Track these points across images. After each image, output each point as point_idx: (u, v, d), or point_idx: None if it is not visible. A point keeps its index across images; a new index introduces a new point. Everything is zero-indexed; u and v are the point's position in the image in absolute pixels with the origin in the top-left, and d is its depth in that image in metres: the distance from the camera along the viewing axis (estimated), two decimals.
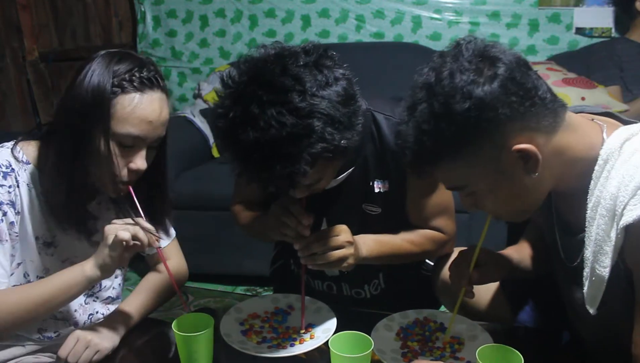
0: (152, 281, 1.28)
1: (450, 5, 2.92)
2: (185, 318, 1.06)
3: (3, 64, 3.56)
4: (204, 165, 2.78)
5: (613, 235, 0.86)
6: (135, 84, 1.03)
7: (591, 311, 0.92)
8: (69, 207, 1.08)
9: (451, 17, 2.93)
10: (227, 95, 1.00)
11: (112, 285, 1.28)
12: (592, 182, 0.90)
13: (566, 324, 1.17)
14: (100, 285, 1.25)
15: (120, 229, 1.02)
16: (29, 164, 1.10)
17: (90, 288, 1.13)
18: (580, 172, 0.92)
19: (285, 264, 1.49)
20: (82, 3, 3.46)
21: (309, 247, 1.13)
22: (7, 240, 1.06)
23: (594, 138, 0.92)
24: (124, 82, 1.03)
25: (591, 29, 2.81)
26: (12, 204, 1.06)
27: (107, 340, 1.11)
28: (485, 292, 1.31)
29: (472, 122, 0.85)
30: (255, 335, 1.17)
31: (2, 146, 1.10)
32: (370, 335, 1.03)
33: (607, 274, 0.88)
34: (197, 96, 3.21)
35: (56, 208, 1.08)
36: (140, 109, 1.04)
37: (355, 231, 1.21)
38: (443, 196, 1.29)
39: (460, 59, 0.87)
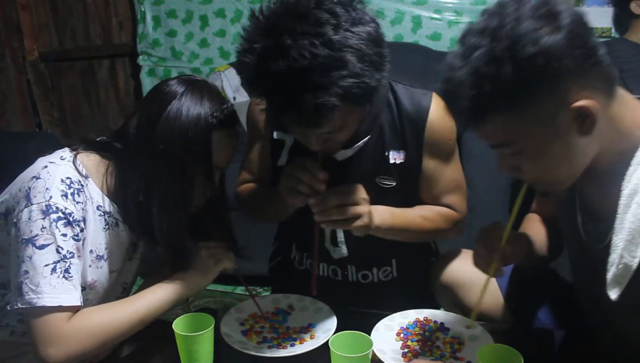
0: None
1: (450, 5, 2.92)
2: (185, 318, 1.07)
3: (3, 64, 3.56)
4: None
5: None
6: (222, 118, 1.07)
7: (612, 296, 0.90)
8: (178, 237, 1.10)
9: (451, 17, 2.93)
10: (257, 28, 1.00)
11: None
12: (630, 168, 0.88)
13: (565, 323, 1.17)
14: (125, 289, 1.26)
15: (221, 255, 1.14)
16: (88, 178, 1.09)
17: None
18: (621, 150, 0.89)
19: (284, 260, 1.48)
20: (82, 3, 3.46)
21: (325, 201, 1.12)
22: (82, 256, 1.06)
23: None
24: (219, 117, 1.07)
25: (591, 28, 2.81)
26: (84, 220, 1.06)
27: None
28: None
29: (537, 71, 0.81)
30: (256, 335, 1.17)
31: (62, 159, 1.08)
32: (370, 335, 1.03)
33: (636, 264, 0.86)
34: None
35: (165, 243, 1.10)
36: (230, 143, 1.11)
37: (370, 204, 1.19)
38: (457, 172, 1.29)
39: (523, 7, 0.84)
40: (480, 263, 1.10)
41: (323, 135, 1.08)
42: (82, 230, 1.05)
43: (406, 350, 1.11)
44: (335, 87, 0.95)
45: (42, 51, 3.59)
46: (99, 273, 1.12)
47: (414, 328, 1.17)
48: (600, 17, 2.77)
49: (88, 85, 3.64)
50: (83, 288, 1.08)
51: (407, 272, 1.39)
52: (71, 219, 1.02)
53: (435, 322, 1.19)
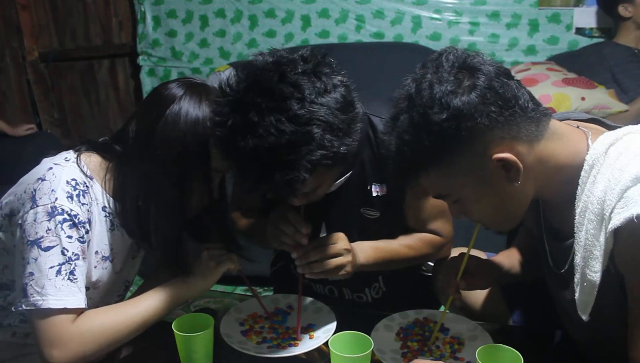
0: None
1: (450, 5, 2.92)
2: (185, 318, 1.07)
3: (3, 64, 3.56)
4: None
5: (602, 239, 0.86)
6: None
7: (584, 317, 0.92)
8: (176, 241, 1.10)
9: (451, 17, 2.93)
10: (226, 103, 0.99)
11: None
12: (579, 188, 0.90)
13: (560, 325, 1.18)
14: (125, 288, 1.26)
15: (223, 257, 1.13)
16: (93, 179, 1.09)
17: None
18: (565, 179, 0.92)
19: (285, 266, 1.49)
20: (82, 3, 3.46)
21: (307, 256, 1.14)
22: (84, 258, 1.05)
23: (579, 145, 0.92)
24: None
25: (591, 29, 2.81)
26: (89, 222, 1.06)
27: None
28: (482, 291, 1.31)
29: (451, 132, 0.86)
30: (255, 335, 1.17)
31: (67, 160, 1.08)
32: (370, 335, 1.03)
33: (599, 279, 0.88)
34: None
35: (169, 245, 1.10)
36: None
37: (354, 236, 1.21)
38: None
39: (440, 70, 0.88)
40: (440, 293, 1.17)
41: (301, 195, 1.08)
42: (87, 232, 1.05)
43: (406, 350, 1.11)
44: (304, 162, 0.95)
45: (42, 51, 3.59)
46: (103, 273, 1.12)
47: (413, 328, 1.17)
48: (600, 17, 2.76)
49: (88, 85, 3.64)
50: (87, 288, 1.09)
51: (394, 285, 1.41)
52: (77, 221, 1.02)
53: (435, 322, 1.19)
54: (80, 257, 1.03)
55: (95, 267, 1.10)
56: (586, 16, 2.80)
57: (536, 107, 0.91)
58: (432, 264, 1.44)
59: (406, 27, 2.97)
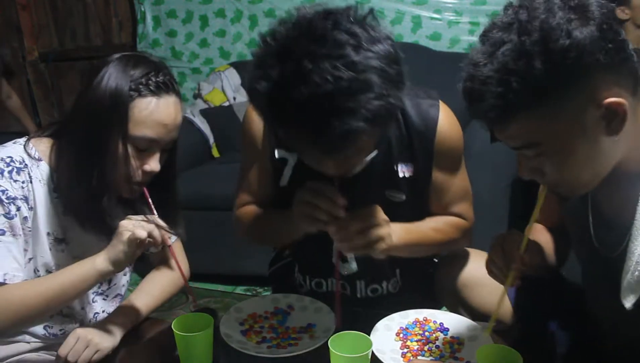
0: (154, 281, 1.28)
1: (450, 5, 2.92)
2: (185, 318, 1.06)
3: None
4: (204, 165, 2.78)
5: None
6: (151, 87, 1.05)
7: (627, 304, 0.87)
8: (88, 207, 1.09)
9: (451, 17, 2.93)
10: (271, 54, 0.93)
11: (121, 282, 1.29)
12: None
13: (566, 324, 1.17)
14: (110, 282, 1.26)
15: (136, 226, 1.03)
16: (41, 161, 1.11)
17: (100, 282, 1.14)
18: None
19: (284, 266, 1.48)
20: (82, 3, 3.47)
21: (347, 226, 1.08)
22: (20, 235, 1.07)
23: None
24: (141, 86, 1.04)
25: (621, 22, 2.81)
26: (26, 199, 1.07)
27: (107, 339, 1.11)
28: (488, 293, 1.30)
29: (569, 65, 0.78)
30: (255, 335, 1.17)
31: (14, 142, 1.12)
32: (370, 335, 1.03)
33: None
34: (197, 96, 3.22)
35: (76, 208, 1.10)
36: (157, 113, 1.06)
37: None
38: (465, 180, 1.28)
39: (551, 1, 0.81)
40: (497, 272, 1.07)
41: (341, 161, 1.04)
42: (18, 209, 1.06)
43: (405, 350, 1.11)
44: (363, 111, 0.90)
45: (42, 51, 3.59)
46: (61, 257, 1.13)
47: (413, 328, 1.17)
48: None
49: None
50: (49, 272, 1.09)
51: (411, 279, 1.38)
52: (3, 196, 1.04)
53: (434, 322, 1.19)
54: (8, 233, 1.04)
55: (50, 250, 1.11)
56: None
57: (638, 62, 0.85)
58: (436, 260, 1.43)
59: (406, 27, 2.98)
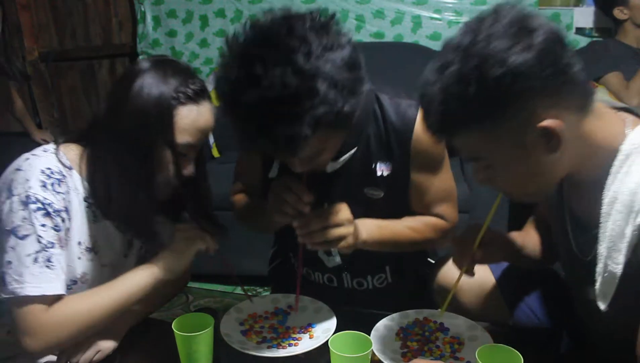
0: None
1: (450, 5, 2.92)
2: (185, 318, 1.06)
3: None
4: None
5: (629, 232, 0.85)
6: (190, 95, 1.06)
7: (602, 307, 0.91)
8: (135, 215, 1.10)
9: (451, 17, 2.93)
10: (231, 57, 0.97)
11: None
12: (610, 176, 0.88)
13: (565, 323, 1.17)
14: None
15: (196, 237, 1.12)
16: (72, 169, 1.09)
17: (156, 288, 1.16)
18: (598, 163, 0.89)
19: (283, 262, 1.48)
20: (82, 3, 3.47)
21: (308, 224, 1.12)
22: (64, 246, 1.06)
23: (617, 130, 0.90)
24: (181, 94, 1.05)
25: (591, 29, 2.81)
26: (66, 210, 1.06)
27: (108, 340, 1.12)
28: (481, 291, 1.31)
29: (504, 91, 0.82)
30: (255, 335, 1.17)
31: (45, 151, 1.09)
32: (370, 335, 1.03)
33: (620, 271, 0.87)
34: None
35: (122, 217, 1.10)
36: (198, 119, 1.07)
37: (357, 217, 1.19)
38: (446, 181, 1.28)
39: (498, 25, 0.84)
40: (456, 263, 1.15)
41: (304, 158, 1.06)
42: (63, 220, 1.05)
43: (406, 350, 1.11)
44: (307, 117, 0.93)
45: (42, 51, 3.59)
46: (89, 266, 1.12)
47: (413, 328, 1.17)
48: (600, 17, 2.77)
49: (88, 85, 3.64)
50: (74, 282, 1.10)
51: (401, 277, 1.39)
52: (51, 209, 1.03)
53: (434, 321, 1.19)
54: (57, 245, 1.03)
55: (79, 259, 1.10)
56: (586, 16, 2.80)
57: (586, 81, 0.88)
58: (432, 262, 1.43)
59: (406, 27, 2.98)
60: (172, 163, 1.08)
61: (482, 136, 0.88)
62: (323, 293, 1.25)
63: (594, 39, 2.79)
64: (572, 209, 1.01)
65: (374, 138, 1.22)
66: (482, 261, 1.11)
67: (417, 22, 2.96)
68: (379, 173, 1.23)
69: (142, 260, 1.21)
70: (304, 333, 1.17)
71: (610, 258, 0.88)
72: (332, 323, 1.16)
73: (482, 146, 0.90)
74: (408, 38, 2.98)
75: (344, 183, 1.23)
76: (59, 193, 1.05)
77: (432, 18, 2.95)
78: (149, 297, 1.12)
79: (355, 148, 1.20)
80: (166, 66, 1.07)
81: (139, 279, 1.09)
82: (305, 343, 1.13)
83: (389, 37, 3.00)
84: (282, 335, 1.17)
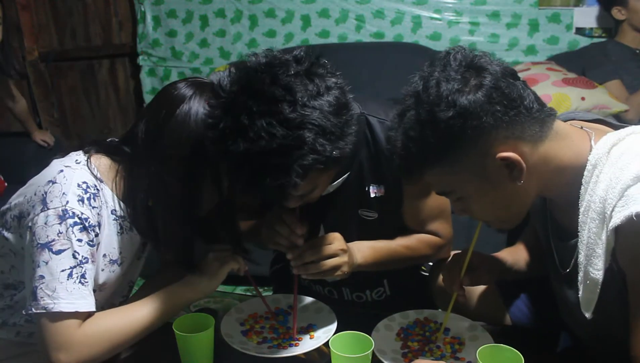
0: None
1: (450, 5, 2.92)
2: (185, 318, 1.07)
3: None
4: None
5: (604, 237, 0.87)
6: None
7: (587, 315, 0.93)
8: (187, 243, 1.11)
9: (451, 17, 2.93)
10: (218, 105, 0.98)
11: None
12: (582, 188, 0.91)
13: (562, 323, 1.17)
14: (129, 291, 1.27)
15: (228, 259, 1.14)
16: (102, 182, 1.08)
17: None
18: (568, 180, 0.93)
19: (284, 266, 1.48)
20: (82, 3, 3.46)
21: (302, 256, 1.14)
22: (94, 261, 1.05)
23: (582, 145, 0.93)
24: None
25: (591, 29, 2.81)
26: (99, 225, 1.06)
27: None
28: (479, 290, 1.31)
29: (456, 130, 0.87)
30: (256, 335, 1.17)
31: (77, 162, 1.07)
32: (370, 335, 1.03)
33: (601, 277, 0.88)
34: None
35: (177, 244, 1.11)
36: None
37: (352, 237, 1.21)
38: (439, 199, 1.28)
39: (447, 69, 0.90)
40: (436, 295, 1.20)
41: (295, 197, 1.07)
42: (97, 235, 1.05)
43: (406, 350, 1.11)
44: (295, 166, 0.93)
45: (42, 51, 3.58)
46: (110, 276, 1.12)
47: (414, 328, 1.17)
48: (600, 17, 2.77)
49: (88, 85, 3.64)
50: (94, 290, 1.09)
51: (400, 289, 1.40)
52: (87, 224, 1.02)
53: (435, 322, 1.19)
54: (90, 260, 1.02)
55: (102, 270, 1.10)
56: (586, 16, 2.80)
57: (541, 108, 0.92)
58: (431, 264, 1.43)
59: (406, 27, 2.98)
60: (215, 188, 1.08)
61: (446, 173, 0.94)
62: (326, 304, 1.25)
63: (594, 39, 2.79)
64: (555, 222, 1.04)
65: (366, 161, 1.22)
66: (471, 285, 1.14)
67: (417, 22, 2.96)
68: (372, 195, 1.24)
69: (146, 262, 1.22)
70: (304, 333, 1.17)
71: (590, 265, 0.90)
72: (333, 323, 1.16)
73: (448, 182, 0.96)
74: (408, 38, 2.98)
75: (339, 204, 1.25)
76: (94, 207, 1.04)
77: (432, 18, 2.95)
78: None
79: (348, 173, 1.21)
80: (209, 90, 1.05)
81: (170, 299, 1.09)
82: (306, 344, 1.13)
83: (389, 37, 3.00)
84: (283, 335, 1.17)
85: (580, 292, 0.94)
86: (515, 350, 0.94)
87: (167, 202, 1.06)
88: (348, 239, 1.19)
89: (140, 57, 3.37)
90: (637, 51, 2.55)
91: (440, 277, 1.32)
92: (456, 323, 1.18)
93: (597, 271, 0.89)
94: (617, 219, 0.83)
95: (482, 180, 0.92)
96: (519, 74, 0.95)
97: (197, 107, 1.03)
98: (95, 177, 1.07)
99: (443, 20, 2.94)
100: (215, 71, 3.18)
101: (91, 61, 3.57)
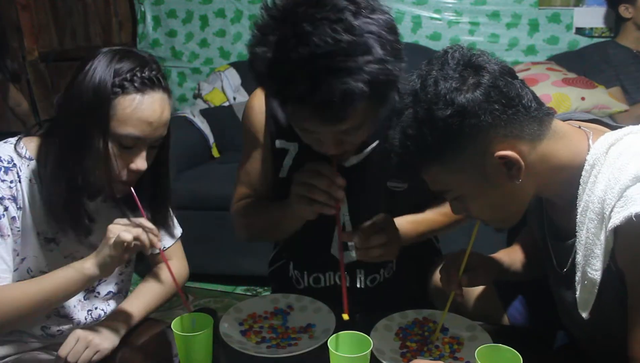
0: (152, 282, 1.28)
1: (450, 5, 2.93)
2: (185, 318, 1.06)
3: None
4: (204, 165, 2.78)
5: (602, 237, 0.87)
6: (136, 84, 1.03)
7: (584, 315, 0.93)
8: (67, 205, 1.08)
9: (451, 17, 2.93)
10: (271, 18, 0.94)
11: (114, 280, 1.28)
12: (580, 188, 0.91)
13: (560, 323, 1.17)
14: (100, 281, 1.25)
15: (122, 229, 1.02)
16: (32, 160, 1.09)
17: (89, 285, 1.13)
18: (566, 179, 0.93)
19: (284, 265, 1.48)
20: (82, 3, 3.47)
21: (368, 241, 1.13)
22: (9, 235, 1.06)
23: (580, 145, 0.93)
24: (125, 82, 1.02)
25: (591, 29, 2.81)
26: (14, 199, 1.06)
27: (107, 340, 1.11)
28: (477, 290, 1.31)
29: (454, 129, 0.87)
30: (255, 335, 1.17)
31: (5, 142, 1.10)
32: (369, 335, 1.03)
33: (599, 277, 0.88)
34: (197, 96, 3.22)
35: (55, 206, 1.08)
36: (141, 110, 1.03)
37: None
38: None
39: (445, 67, 0.90)
40: (444, 288, 1.17)
41: (340, 135, 1.03)
42: (6, 209, 1.05)
43: (405, 350, 1.11)
44: (362, 73, 0.90)
45: (42, 51, 3.59)
46: (51, 257, 1.12)
47: (412, 328, 1.17)
48: (600, 17, 2.77)
49: None
50: (44, 273, 1.09)
51: (406, 267, 1.38)
52: None
53: (434, 322, 1.19)
54: None
55: (40, 249, 1.10)
56: (586, 16, 2.80)
57: (539, 107, 0.92)
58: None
59: (406, 27, 2.98)
60: (116, 156, 1.05)
61: (444, 172, 0.93)
62: (332, 294, 1.23)
63: (594, 39, 2.79)
64: (551, 222, 1.04)
65: None
66: (469, 286, 1.14)
67: (417, 22, 2.97)
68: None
69: (142, 262, 1.21)
70: (303, 333, 1.17)
71: (589, 265, 0.90)
72: (332, 323, 1.16)
73: (446, 181, 0.95)
74: (408, 38, 2.98)
75: (366, 176, 1.22)
76: (3, 181, 1.05)
77: (432, 18, 2.95)
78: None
79: (377, 142, 1.19)
80: (116, 54, 1.05)
81: (68, 274, 1.05)
82: (304, 344, 1.13)
83: None
84: (282, 335, 1.17)
85: (577, 292, 0.94)
86: (513, 350, 0.94)
87: (53, 163, 1.05)
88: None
89: None
90: (637, 52, 2.55)
91: (438, 276, 1.33)
92: (455, 323, 1.17)
93: (595, 271, 0.89)
94: (616, 219, 0.83)
95: (480, 179, 0.92)
96: (519, 74, 0.95)
97: (95, 67, 1.02)
98: (19, 154, 1.08)
99: (443, 20, 2.94)
100: (215, 71, 3.18)
101: None
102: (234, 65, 3.16)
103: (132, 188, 1.09)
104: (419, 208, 1.31)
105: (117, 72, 1.03)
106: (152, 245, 1.05)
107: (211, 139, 2.95)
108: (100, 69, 1.03)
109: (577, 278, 0.94)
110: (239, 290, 2.56)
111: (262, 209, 1.30)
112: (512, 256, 1.23)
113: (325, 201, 1.07)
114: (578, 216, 0.92)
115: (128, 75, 1.03)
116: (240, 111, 2.91)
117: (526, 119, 0.90)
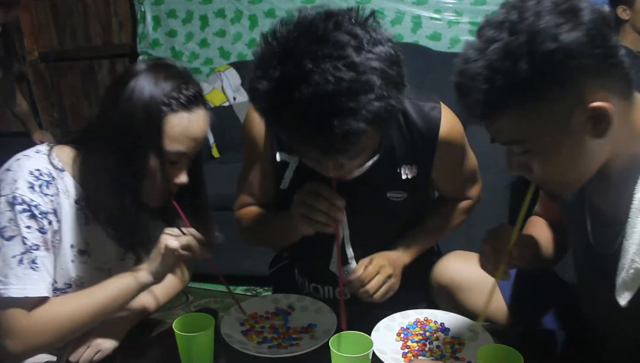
0: None
1: (450, 5, 2.93)
2: (185, 318, 1.06)
3: None
4: (204, 165, 2.77)
5: None
6: (182, 101, 1.03)
7: (622, 302, 0.88)
8: (122, 221, 1.09)
9: (451, 17, 2.93)
10: (272, 53, 0.93)
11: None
12: None
13: (565, 323, 1.17)
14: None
15: (173, 239, 1.06)
16: (64, 171, 1.09)
17: (140, 293, 1.13)
18: (635, 153, 0.88)
19: (284, 267, 1.48)
20: (82, 3, 3.47)
21: (368, 283, 1.17)
22: (51, 249, 1.06)
23: None
24: (173, 101, 1.02)
25: (612, 28, 2.81)
26: (55, 212, 1.06)
27: (108, 340, 1.12)
28: (482, 295, 1.30)
29: (555, 68, 0.79)
30: (256, 335, 1.17)
31: (37, 152, 1.08)
32: (370, 335, 1.03)
33: None
34: None
35: (109, 222, 1.09)
36: (190, 128, 1.05)
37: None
38: (469, 164, 1.33)
39: (544, 2, 0.81)
40: (488, 265, 1.08)
41: (339, 162, 1.04)
42: (50, 223, 1.05)
43: (406, 350, 1.11)
44: (364, 111, 0.90)
45: (42, 51, 3.59)
46: (83, 269, 1.12)
47: (414, 328, 1.17)
48: None
49: (88, 85, 3.64)
50: (69, 285, 1.10)
51: (407, 267, 1.38)
52: (37, 211, 1.02)
53: (435, 322, 1.19)
54: (42, 248, 1.03)
55: (72, 262, 1.10)
56: None
57: (630, 67, 0.86)
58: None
59: (406, 27, 2.98)
60: (162, 171, 1.06)
61: (527, 117, 0.84)
62: (331, 306, 1.24)
63: None
64: (593, 202, 0.98)
65: (397, 142, 1.21)
66: (516, 262, 1.06)
67: (417, 22, 2.97)
68: (404, 176, 1.23)
69: (139, 264, 1.21)
70: (304, 333, 1.17)
71: (638, 254, 0.85)
72: (333, 323, 1.16)
73: (525, 128, 0.85)
74: (408, 38, 2.98)
75: (367, 187, 1.22)
76: (46, 194, 1.04)
77: (432, 18, 2.95)
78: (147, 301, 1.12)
79: (379, 155, 1.18)
80: (160, 69, 1.05)
81: (123, 284, 1.08)
82: (306, 344, 1.13)
83: None
84: (283, 335, 1.17)
85: (618, 278, 0.88)
86: (515, 350, 0.94)
87: (109, 183, 1.05)
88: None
89: (140, 57, 3.37)
90: (637, 52, 2.55)
91: (439, 276, 1.32)
92: (456, 323, 1.17)
93: None
94: None
95: (562, 131, 0.84)
96: None
97: (142, 84, 1.01)
98: (54, 166, 1.07)
99: (443, 20, 2.94)
100: (216, 71, 3.18)
101: (91, 61, 3.57)
102: (234, 65, 3.16)
103: (175, 202, 1.11)
104: (418, 218, 1.31)
105: (165, 90, 1.02)
106: (202, 253, 1.09)
107: (211, 139, 2.95)
108: (148, 86, 1.02)
109: (620, 264, 0.88)
110: (239, 290, 2.55)
111: (263, 220, 1.32)
112: (540, 240, 1.17)
113: (325, 221, 1.09)
114: (635, 201, 0.86)
115: (175, 93, 1.03)
116: (240, 110, 2.91)
117: (620, 74, 0.84)
